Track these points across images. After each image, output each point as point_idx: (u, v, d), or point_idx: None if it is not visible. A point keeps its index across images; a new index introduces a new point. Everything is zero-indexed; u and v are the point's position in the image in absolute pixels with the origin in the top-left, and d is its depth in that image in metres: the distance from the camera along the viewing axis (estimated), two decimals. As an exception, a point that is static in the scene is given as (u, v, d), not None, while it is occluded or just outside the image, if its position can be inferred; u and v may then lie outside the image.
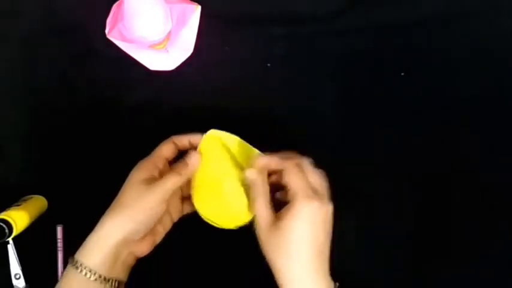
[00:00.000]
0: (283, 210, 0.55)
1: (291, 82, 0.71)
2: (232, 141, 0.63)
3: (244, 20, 0.71)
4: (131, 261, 0.60)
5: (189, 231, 0.68)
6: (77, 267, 0.56)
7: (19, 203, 0.65)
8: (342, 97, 0.72)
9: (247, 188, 0.59)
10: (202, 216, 0.62)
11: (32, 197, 0.68)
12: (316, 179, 0.57)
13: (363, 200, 0.70)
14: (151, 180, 0.58)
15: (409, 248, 0.71)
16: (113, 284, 0.57)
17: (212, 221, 0.62)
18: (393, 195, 0.71)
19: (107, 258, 0.56)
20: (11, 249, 0.65)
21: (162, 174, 0.60)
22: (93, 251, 0.56)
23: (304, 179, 0.56)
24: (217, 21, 0.69)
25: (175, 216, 0.64)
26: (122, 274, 0.59)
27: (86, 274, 0.55)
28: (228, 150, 0.62)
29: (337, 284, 0.56)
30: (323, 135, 0.71)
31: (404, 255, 0.71)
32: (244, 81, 0.71)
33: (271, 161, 0.58)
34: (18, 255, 0.65)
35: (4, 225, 0.61)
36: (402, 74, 0.71)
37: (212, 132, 0.62)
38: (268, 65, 0.71)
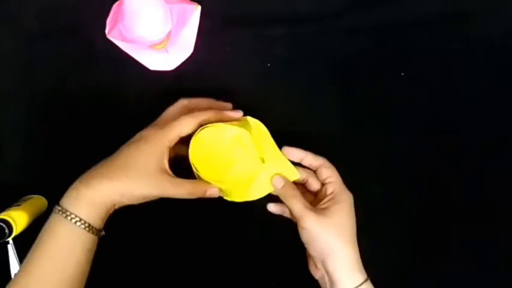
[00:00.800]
0: (327, 202, 0.61)
1: (291, 82, 0.71)
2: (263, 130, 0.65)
3: (244, 20, 0.71)
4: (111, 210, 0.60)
5: (189, 231, 0.68)
6: (67, 216, 0.55)
7: (19, 203, 0.65)
8: (342, 97, 0.72)
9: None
10: (191, 159, 0.62)
11: (32, 197, 0.68)
12: (338, 176, 0.64)
13: (363, 200, 0.70)
14: (167, 174, 0.58)
15: (409, 248, 0.71)
16: (97, 232, 0.57)
17: (197, 167, 0.62)
18: (393, 195, 0.71)
19: (101, 214, 0.57)
20: (11, 249, 0.65)
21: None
22: (88, 206, 0.56)
23: (339, 175, 0.63)
24: (217, 21, 0.69)
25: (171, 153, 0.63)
26: (103, 224, 0.59)
27: (75, 222, 0.55)
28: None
29: (369, 277, 0.60)
30: (323, 135, 0.71)
31: (405, 255, 0.71)
32: (244, 81, 0.71)
33: (305, 155, 0.64)
34: (18, 255, 0.65)
35: (4, 225, 0.61)
36: (402, 74, 0.71)
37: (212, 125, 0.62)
38: (268, 65, 0.71)
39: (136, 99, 0.71)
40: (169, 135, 0.59)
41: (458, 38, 0.72)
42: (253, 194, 0.62)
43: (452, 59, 0.72)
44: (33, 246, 0.56)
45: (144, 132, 0.60)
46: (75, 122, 0.70)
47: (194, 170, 0.62)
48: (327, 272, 0.59)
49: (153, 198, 0.59)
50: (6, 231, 0.61)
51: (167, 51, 0.68)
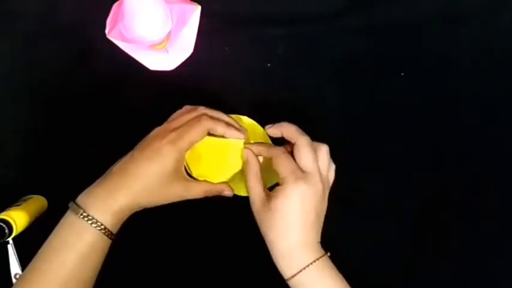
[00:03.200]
0: (274, 192, 0.59)
1: (291, 82, 0.71)
2: (238, 119, 0.66)
3: (244, 20, 0.71)
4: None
5: (188, 231, 0.68)
6: (84, 217, 0.56)
7: (19, 203, 0.65)
8: (342, 97, 0.72)
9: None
10: (187, 160, 0.63)
11: (32, 197, 0.68)
12: (307, 161, 0.60)
13: (363, 200, 0.70)
14: (183, 175, 0.61)
15: (409, 248, 0.71)
16: (111, 235, 0.58)
17: (190, 166, 0.63)
18: (393, 195, 0.71)
19: (120, 221, 0.58)
20: (11, 249, 0.65)
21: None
22: (109, 213, 0.57)
23: (292, 163, 0.60)
24: (217, 21, 0.70)
25: None
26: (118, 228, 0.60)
27: (92, 224, 0.56)
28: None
29: (328, 253, 0.59)
30: (323, 135, 0.71)
31: (405, 255, 0.71)
32: (244, 81, 0.71)
33: (260, 149, 0.62)
34: (18, 255, 0.65)
35: (4, 225, 0.61)
36: (402, 74, 0.71)
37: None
38: (268, 65, 0.71)
39: (136, 99, 0.71)
40: (183, 146, 0.59)
41: (458, 38, 0.72)
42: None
43: (452, 59, 0.72)
44: (46, 247, 0.57)
45: (157, 144, 0.60)
46: (76, 122, 0.70)
47: (188, 170, 0.63)
48: None
49: (170, 201, 0.60)
50: (6, 231, 0.61)
51: (167, 51, 0.68)
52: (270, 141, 0.66)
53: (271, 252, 0.59)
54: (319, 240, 0.60)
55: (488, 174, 0.71)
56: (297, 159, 0.60)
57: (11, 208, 0.64)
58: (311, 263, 0.57)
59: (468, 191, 0.70)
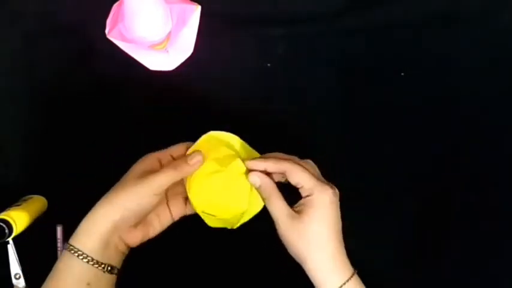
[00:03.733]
0: (301, 206, 0.58)
1: (291, 82, 0.71)
2: (233, 140, 0.63)
3: (244, 20, 0.71)
4: (123, 248, 0.59)
5: (188, 231, 0.68)
6: (71, 250, 0.56)
7: (19, 203, 0.65)
8: (342, 97, 0.72)
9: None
10: (197, 209, 0.61)
11: (32, 197, 0.68)
12: (317, 172, 0.60)
13: (363, 200, 0.70)
14: (149, 173, 0.58)
15: (409, 248, 0.71)
16: (106, 268, 0.57)
17: (207, 213, 0.61)
18: (393, 195, 0.71)
19: (98, 243, 0.56)
20: (11, 249, 0.65)
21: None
22: (84, 236, 0.57)
23: (310, 172, 0.58)
24: (217, 21, 0.69)
25: (176, 215, 0.63)
26: (114, 260, 0.58)
27: (78, 256, 0.56)
28: (230, 147, 0.62)
29: (356, 270, 0.58)
30: (323, 135, 0.71)
31: (405, 255, 0.71)
32: (244, 81, 0.71)
33: (267, 164, 0.59)
34: (18, 255, 0.65)
35: (4, 225, 0.61)
36: (402, 74, 0.71)
37: (211, 133, 0.62)
38: (268, 65, 0.71)
39: (136, 99, 0.71)
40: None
41: (458, 38, 0.72)
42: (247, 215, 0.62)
43: (452, 59, 0.72)
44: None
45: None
46: (76, 122, 0.70)
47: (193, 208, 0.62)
48: (308, 274, 0.58)
49: (150, 196, 0.57)
50: (6, 231, 0.61)
51: (167, 51, 0.68)
52: (251, 150, 0.63)
53: (307, 268, 0.57)
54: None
55: (488, 174, 0.71)
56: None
57: (11, 208, 0.64)
58: (347, 280, 0.56)
59: (468, 191, 0.70)
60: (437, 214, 0.71)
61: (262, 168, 0.59)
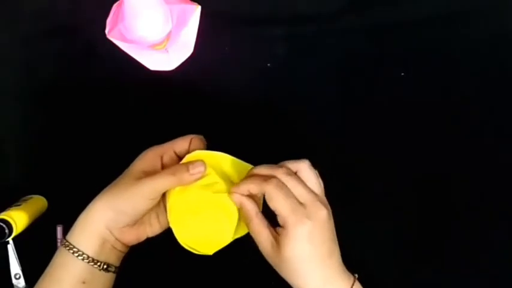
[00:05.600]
0: (280, 234, 0.54)
1: (291, 82, 0.71)
2: (223, 159, 0.59)
3: (244, 20, 0.71)
4: (120, 247, 0.58)
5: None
6: (66, 246, 0.56)
7: (19, 203, 0.65)
8: (342, 97, 0.72)
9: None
10: (179, 240, 0.58)
11: (32, 197, 0.68)
12: (304, 190, 0.55)
13: (363, 200, 0.70)
14: (148, 173, 0.57)
15: (409, 249, 0.71)
16: (102, 266, 0.56)
17: (190, 247, 0.58)
18: (393, 195, 0.71)
19: (93, 241, 0.56)
20: (11, 249, 0.65)
21: (165, 167, 0.59)
22: (80, 233, 0.56)
23: (289, 199, 0.54)
24: (217, 21, 0.69)
25: None
26: (111, 258, 0.58)
27: (74, 254, 0.55)
28: (219, 168, 0.58)
29: (356, 275, 0.57)
30: (323, 135, 0.71)
31: (405, 255, 0.71)
32: (244, 81, 0.71)
33: (249, 187, 0.56)
34: (18, 255, 0.65)
35: (4, 225, 0.61)
36: (402, 74, 0.71)
37: (198, 153, 0.58)
38: (268, 65, 0.71)
39: (136, 99, 0.71)
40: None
41: (458, 38, 0.72)
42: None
43: (452, 59, 0.72)
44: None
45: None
46: (76, 122, 0.70)
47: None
48: None
49: (146, 198, 0.56)
50: (6, 231, 0.61)
51: (167, 51, 0.68)
52: (240, 163, 0.59)
53: None
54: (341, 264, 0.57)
55: (488, 174, 0.71)
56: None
57: (11, 208, 0.64)
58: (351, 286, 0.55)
59: (468, 191, 0.70)
60: (438, 214, 0.71)
61: (245, 193, 0.56)
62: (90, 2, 0.68)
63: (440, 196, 0.71)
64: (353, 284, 0.55)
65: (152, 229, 0.61)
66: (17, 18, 0.70)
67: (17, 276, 0.66)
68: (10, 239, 0.64)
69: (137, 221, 0.59)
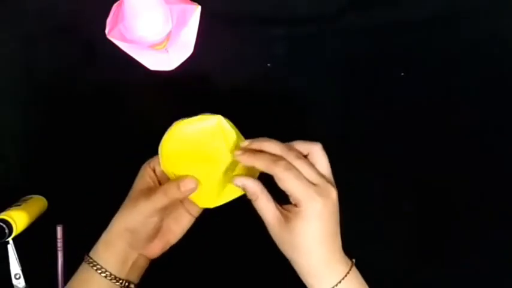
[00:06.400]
0: (290, 212, 0.55)
1: (291, 82, 0.71)
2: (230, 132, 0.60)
3: (244, 20, 0.71)
4: (143, 263, 0.60)
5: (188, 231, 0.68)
6: (89, 263, 0.57)
7: (19, 203, 0.65)
8: (342, 97, 0.72)
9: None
10: (166, 169, 0.59)
11: (32, 197, 0.68)
12: (314, 172, 0.55)
13: (363, 200, 0.70)
14: (143, 192, 0.58)
15: (409, 249, 0.71)
16: (123, 284, 0.58)
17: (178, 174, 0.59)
18: (393, 195, 0.71)
19: (117, 260, 0.57)
20: (11, 249, 0.65)
21: (160, 179, 0.61)
22: (104, 251, 0.58)
23: (300, 179, 0.54)
24: (217, 21, 0.69)
25: (195, 211, 0.62)
26: (133, 275, 0.59)
27: (97, 270, 0.57)
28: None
29: (353, 260, 0.58)
30: (323, 135, 0.71)
31: (405, 255, 0.71)
32: (244, 81, 0.71)
33: (257, 163, 0.56)
34: (18, 255, 0.65)
35: (4, 225, 0.61)
36: (402, 74, 0.71)
37: (175, 125, 0.60)
38: (268, 65, 0.71)
39: (136, 99, 0.71)
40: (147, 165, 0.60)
41: (458, 38, 0.72)
42: (226, 196, 0.59)
43: (452, 59, 0.72)
44: None
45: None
46: (76, 122, 0.70)
47: (168, 173, 0.60)
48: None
49: (149, 217, 0.58)
50: (6, 231, 0.61)
51: (167, 51, 0.68)
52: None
53: (296, 270, 0.56)
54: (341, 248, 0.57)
55: (488, 174, 0.71)
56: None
57: (11, 208, 0.64)
58: (342, 279, 0.55)
59: (468, 191, 0.70)
60: (438, 214, 0.71)
61: (250, 165, 0.57)
62: (90, 2, 0.68)
63: (440, 196, 0.71)
64: (350, 269, 0.56)
65: (174, 235, 0.62)
66: (17, 18, 0.70)
67: (17, 276, 0.66)
68: (10, 239, 0.64)
69: (158, 233, 0.60)
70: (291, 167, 0.54)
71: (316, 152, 0.57)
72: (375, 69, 0.72)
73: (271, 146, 0.57)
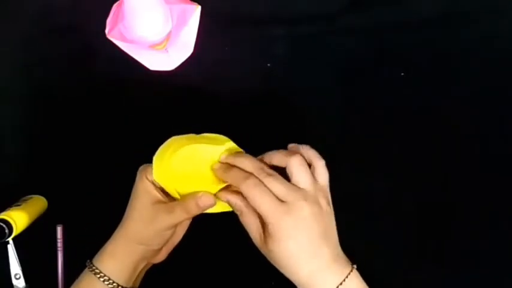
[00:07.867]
0: (266, 231, 0.54)
1: (291, 82, 0.71)
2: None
3: (244, 20, 0.71)
4: (148, 267, 0.62)
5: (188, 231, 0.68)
6: (94, 273, 0.57)
7: (19, 203, 0.65)
8: (342, 97, 0.72)
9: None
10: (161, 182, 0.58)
11: (32, 197, 0.68)
12: (284, 188, 0.53)
13: (363, 200, 0.70)
14: (163, 208, 0.57)
15: (409, 248, 0.71)
16: None
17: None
18: (393, 195, 0.71)
19: (126, 270, 0.58)
20: (11, 249, 0.65)
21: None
22: (109, 261, 0.58)
23: (265, 197, 0.53)
24: (217, 21, 0.70)
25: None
26: (136, 282, 0.60)
27: (100, 278, 0.56)
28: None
29: (355, 266, 0.56)
30: (323, 135, 0.71)
31: (405, 255, 0.71)
32: (244, 81, 0.71)
33: (232, 181, 0.55)
34: (18, 255, 0.65)
35: (4, 225, 0.61)
36: (402, 74, 0.71)
37: (172, 140, 0.60)
38: (268, 65, 0.71)
39: (136, 99, 0.71)
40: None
41: (458, 38, 0.72)
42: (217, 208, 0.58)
43: (452, 59, 0.72)
44: None
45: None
46: (75, 122, 0.70)
47: (161, 185, 0.58)
48: None
49: (166, 231, 0.57)
50: (6, 231, 0.61)
51: (167, 51, 0.68)
52: None
53: (293, 281, 0.55)
54: (340, 250, 0.56)
55: (488, 174, 0.71)
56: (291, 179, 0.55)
57: (11, 208, 0.64)
58: (340, 283, 0.54)
59: (468, 191, 0.70)
60: (438, 214, 0.71)
61: (223, 179, 0.57)
62: (90, 2, 0.68)
63: (440, 196, 0.71)
64: (348, 275, 0.54)
65: (178, 236, 0.62)
66: (17, 18, 0.70)
67: (17, 276, 0.66)
68: (10, 239, 0.64)
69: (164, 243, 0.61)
70: (259, 184, 0.53)
71: (292, 165, 0.55)
72: (375, 69, 0.72)
73: (244, 163, 0.55)
